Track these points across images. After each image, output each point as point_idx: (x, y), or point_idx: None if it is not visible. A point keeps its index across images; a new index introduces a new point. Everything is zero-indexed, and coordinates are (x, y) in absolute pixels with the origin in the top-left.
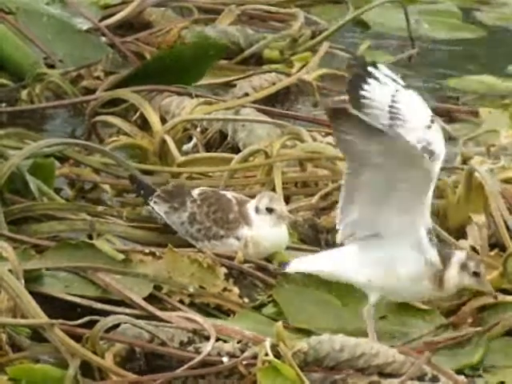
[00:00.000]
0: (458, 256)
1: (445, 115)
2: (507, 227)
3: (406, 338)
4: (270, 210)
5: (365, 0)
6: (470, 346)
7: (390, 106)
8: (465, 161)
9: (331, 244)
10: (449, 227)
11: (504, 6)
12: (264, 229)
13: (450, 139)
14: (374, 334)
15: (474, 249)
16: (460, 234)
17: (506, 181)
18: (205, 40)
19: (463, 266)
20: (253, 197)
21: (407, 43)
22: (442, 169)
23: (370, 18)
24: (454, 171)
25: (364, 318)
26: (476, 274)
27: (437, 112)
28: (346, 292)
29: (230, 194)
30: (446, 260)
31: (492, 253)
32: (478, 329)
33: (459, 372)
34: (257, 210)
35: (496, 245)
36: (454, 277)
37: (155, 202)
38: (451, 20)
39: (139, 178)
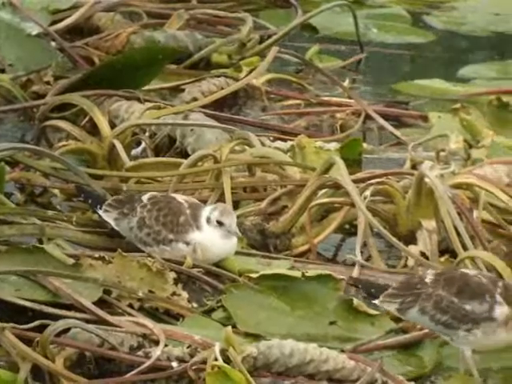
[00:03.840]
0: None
1: (394, 120)
2: (457, 233)
3: (355, 343)
4: (219, 223)
5: (313, 4)
6: (421, 351)
7: None
8: (414, 166)
9: (280, 249)
10: (399, 233)
11: (453, 10)
12: (213, 235)
13: (399, 144)
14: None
15: (423, 254)
16: (410, 239)
17: (456, 186)
18: (154, 45)
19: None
20: (202, 202)
21: (356, 47)
22: (392, 173)
23: (318, 23)
24: (404, 176)
25: (466, 362)
26: None
27: (386, 117)
28: (295, 298)
29: (180, 198)
30: None
31: (442, 259)
32: (428, 332)
33: (411, 379)
34: (208, 221)
35: (446, 250)
36: None
37: (106, 211)
38: (400, 24)
39: (85, 188)
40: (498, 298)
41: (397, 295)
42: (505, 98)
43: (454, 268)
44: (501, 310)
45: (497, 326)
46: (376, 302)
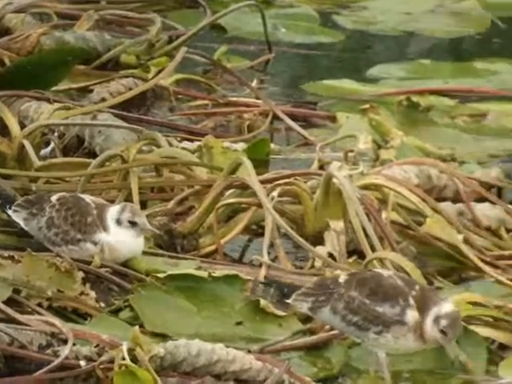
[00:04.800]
0: (439, 309)
1: (302, 120)
2: (366, 234)
3: (262, 343)
4: (132, 223)
5: (222, 4)
6: (329, 352)
7: None
8: (322, 166)
9: (187, 249)
10: (306, 234)
11: (364, 10)
12: (120, 235)
13: (307, 145)
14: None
15: (331, 255)
16: (318, 240)
17: (365, 187)
18: (63, 46)
19: (436, 320)
20: (110, 202)
21: (264, 48)
22: (300, 174)
23: (227, 23)
24: (312, 177)
25: (379, 364)
26: (444, 333)
27: (294, 117)
28: (202, 298)
29: (88, 198)
30: (426, 312)
31: (350, 260)
32: (336, 333)
33: (319, 380)
34: (118, 222)
35: (355, 251)
36: (428, 328)
37: (15, 211)
38: (309, 24)
39: None
40: (411, 301)
41: (309, 294)
42: (414, 98)
43: (367, 269)
44: (412, 315)
45: (407, 330)
46: (288, 300)
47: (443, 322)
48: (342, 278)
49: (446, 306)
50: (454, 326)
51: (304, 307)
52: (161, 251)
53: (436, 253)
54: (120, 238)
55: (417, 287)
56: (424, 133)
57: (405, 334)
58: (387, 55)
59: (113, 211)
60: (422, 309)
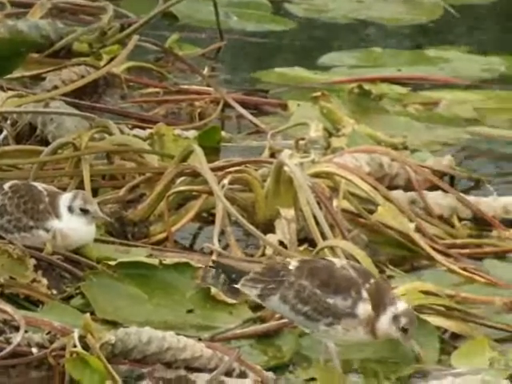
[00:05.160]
0: (395, 307)
1: (253, 108)
2: (317, 222)
3: (213, 331)
4: (84, 211)
5: None
6: (280, 340)
7: None
8: (273, 154)
9: (138, 237)
10: (257, 221)
11: None
12: (72, 222)
13: (258, 132)
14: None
15: (282, 243)
16: (268, 228)
17: (316, 175)
18: (16, 35)
19: (395, 319)
20: (62, 189)
21: (216, 36)
22: (251, 162)
23: (178, 11)
24: (262, 165)
25: (329, 353)
26: (404, 331)
27: (245, 105)
28: (152, 286)
29: (40, 186)
30: (381, 308)
31: (301, 248)
32: (287, 322)
33: (269, 368)
34: (70, 210)
35: (305, 240)
36: (384, 326)
37: None
38: (261, 12)
39: None
40: (364, 294)
41: (258, 280)
42: (366, 86)
43: (320, 257)
44: (364, 308)
45: (358, 323)
46: (237, 286)
47: (403, 321)
48: (293, 265)
49: (402, 304)
50: (412, 323)
51: (253, 293)
52: (112, 239)
53: (387, 241)
54: (72, 225)
55: (371, 280)
56: (376, 121)
57: (355, 327)
58: (339, 43)
59: (65, 199)
60: (377, 304)
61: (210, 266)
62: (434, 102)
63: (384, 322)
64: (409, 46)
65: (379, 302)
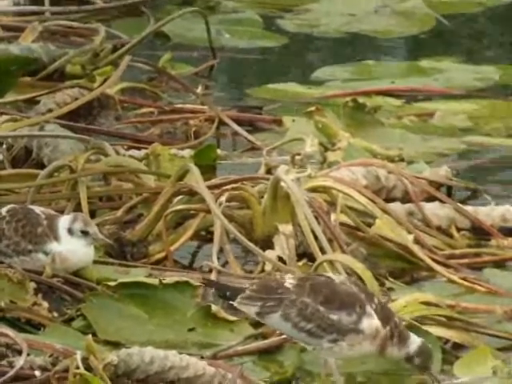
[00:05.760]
0: (410, 345)
1: (248, 125)
2: (315, 236)
3: (215, 349)
4: (84, 233)
5: (166, 12)
6: (281, 356)
7: None
8: (269, 170)
9: (137, 257)
10: (255, 238)
11: (307, 13)
12: (71, 244)
13: (253, 149)
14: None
15: (281, 259)
16: (267, 244)
17: (313, 189)
18: (6, 56)
19: (408, 359)
20: (59, 212)
21: (208, 54)
22: (247, 179)
23: (170, 30)
24: (259, 181)
25: (329, 367)
26: (421, 368)
27: (240, 122)
28: (153, 305)
29: (38, 209)
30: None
31: (300, 263)
32: (287, 337)
33: None
34: (70, 232)
35: (304, 254)
36: (396, 354)
37: None
38: (252, 29)
39: None
40: (369, 309)
41: (256, 298)
42: (360, 99)
43: (317, 273)
44: (369, 323)
45: (363, 338)
46: (234, 303)
47: (417, 360)
48: (290, 283)
49: (416, 341)
50: (428, 359)
51: (251, 311)
52: (111, 260)
53: (387, 254)
54: (71, 247)
55: (375, 298)
56: (371, 134)
57: (360, 342)
58: (332, 57)
59: (64, 221)
60: (386, 321)
61: (202, 283)
62: (428, 113)
63: (396, 352)
64: (402, 57)
65: (389, 319)
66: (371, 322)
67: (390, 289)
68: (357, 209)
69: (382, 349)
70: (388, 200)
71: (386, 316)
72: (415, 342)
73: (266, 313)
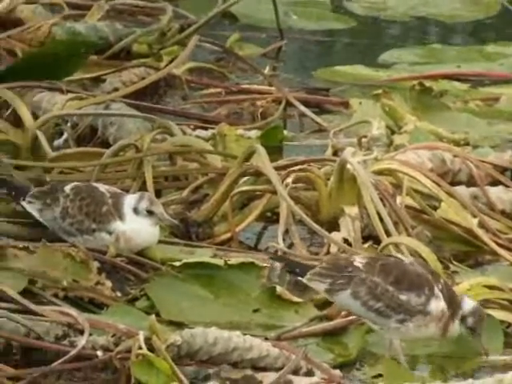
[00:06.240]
0: (463, 307)
1: (315, 106)
2: (381, 219)
3: (279, 330)
4: (150, 213)
5: None
6: (346, 338)
7: None
8: (336, 152)
9: (202, 237)
10: (321, 220)
11: None
12: (136, 224)
13: (320, 131)
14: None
15: (346, 241)
16: (333, 226)
17: (379, 172)
18: (75, 36)
19: (463, 319)
20: (124, 191)
21: (276, 35)
22: (314, 160)
23: (238, 11)
24: (326, 163)
25: (394, 349)
26: (472, 330)
27: (307, 103)
28: (218, 286)
29: (103, 188)
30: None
31: (366, 245)
32: (352, 319)
33: (336, 366)
34: (136, 211)
35: (370, 237)
36: (455, 327)
37: (29, 202)
38: (320, 10)
39: (8, 180)
40: (437, 291)
41: (326, 275)
42: (427, 83)
43: (388, 254)
44: (437, 305)
45: (430, 320)
46: (304, 279)
47: (470, 321)
48: (359, 262)
49: (469, 303)
50: (480, 322)
51: (321, 288)
52: (176, 240)
53: (451, 237)
54: (136, 227)
55: (441, 279)
56: (437, 117)
57: (427, 324)
58: (399, 40)
59: (130, 200)
60: (451, 303)
61: (272, 258)
62: (494, 98)
63: (455, 323)
64: (468, 42)
65: (452, 301)
66: (438, 304)
67: (454, 272)
68: (422, 192)
69: (444, 331)
70: (453, 183)
71: (450, 298)
72: (470, 303)
73: (335, 290)
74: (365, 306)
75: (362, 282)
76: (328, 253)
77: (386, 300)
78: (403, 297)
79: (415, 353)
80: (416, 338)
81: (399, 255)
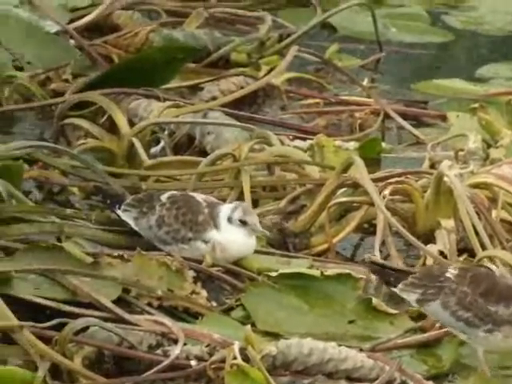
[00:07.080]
0: None
1: (413, 119)
2: (476, 232)
3: (374, 342)
4: (243, 223)
5: (332, 3)
6: (439, 349)
7: None
8: (433, 165)
9: (299, 248)
10: (417, 232)
11: (472, 10)
12: (231, 233)
13: (418, 143)
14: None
15: (442, 254)
16: (429, 238)
17: (475, 185)
18: (173, 43)
19: None
20: (222, 200)
21: (375, 47)
22: (411, 173)
23: (337, 22)
24: (423, 175)
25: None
26: None
27: (405, 116)
28: (314, 297)
29: (199, 197)
30: None
31: (461, 258)
32: (447, 331)
33: (429, 377)
34: (229, 220)
35: (465, 250)
36: None
37: (125, 210)
38: (419, 24)
39: (103, 187)
40: None
41: (417, 285)
42: None
43: (479, 265)
44: None
45: None
46: (395, 290)
47: None
48: (451, 272)
49: None
50: None
51: (411, 298)
52: (273, 250)
53: None
54: (230, 236)
55: None
56: None
57: None
58: (496, 55)
59: (226, 209)
60: None
61: (367, 261)
62: None
63: None
64: None
65: None
66: None
67: None
68: None
69: None
70: None
71: None
72: None
73: (426, 300)
74: (454, 316)
75: (451, 292)
76: (424, 265)
77: (475, 310)
78: (492, 308)
79: (507, 364)
80: (503, 348)
81: (492, 266)
